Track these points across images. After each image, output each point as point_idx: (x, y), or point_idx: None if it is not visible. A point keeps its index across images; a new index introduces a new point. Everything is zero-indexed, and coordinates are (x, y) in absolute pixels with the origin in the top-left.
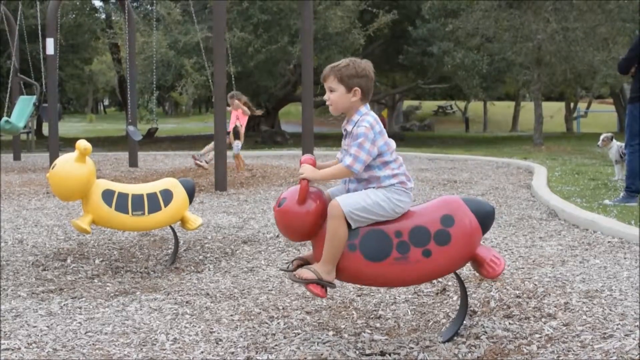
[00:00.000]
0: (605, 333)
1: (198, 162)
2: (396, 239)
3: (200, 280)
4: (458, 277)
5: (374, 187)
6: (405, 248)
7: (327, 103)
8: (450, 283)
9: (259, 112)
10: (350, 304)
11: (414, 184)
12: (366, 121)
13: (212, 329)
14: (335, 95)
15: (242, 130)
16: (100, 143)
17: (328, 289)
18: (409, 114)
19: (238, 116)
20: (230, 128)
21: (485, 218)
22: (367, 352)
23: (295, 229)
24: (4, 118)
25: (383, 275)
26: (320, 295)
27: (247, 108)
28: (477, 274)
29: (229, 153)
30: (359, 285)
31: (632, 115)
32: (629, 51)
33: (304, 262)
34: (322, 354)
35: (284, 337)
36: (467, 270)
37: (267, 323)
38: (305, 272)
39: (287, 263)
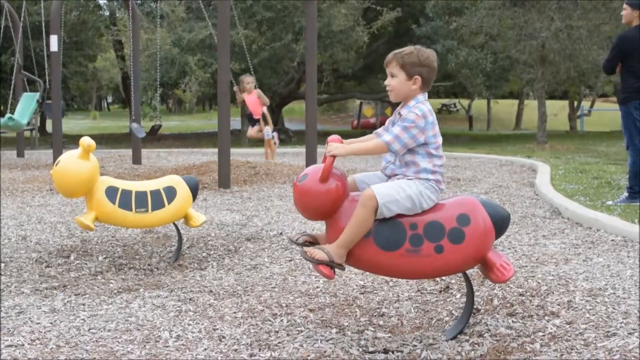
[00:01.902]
0: (608, 331)
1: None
2: (410, 231)
3: (204, 277)
4: (466, 276)
5: (410, 177)
6: (418, 241)
7: (387, 88)
8: (453, 281)
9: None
10: (353, 302)
11: (445, 187)
12: (420, 109)
13: (215, 326)
14: (396, 81)
15: (268, 116)
16: (103, 140)
17: (336, 271)
18: None
19: (260, 103)
20: (256, 116)
21: (500, 222)
22: (370, 349)
23: (314, 207)
24: (8, 115)
25: (392, 265)
26: (329, 276)
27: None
28: (480, 272)
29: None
30: (362, 283)
31: (628, 116)
32: (610, 50)
33: (313, 240)
34: (325, 352)
35: (287, 335)
36: (471, 269)
37: (270, 320)
38: (318, 253)
39: (297, 235)
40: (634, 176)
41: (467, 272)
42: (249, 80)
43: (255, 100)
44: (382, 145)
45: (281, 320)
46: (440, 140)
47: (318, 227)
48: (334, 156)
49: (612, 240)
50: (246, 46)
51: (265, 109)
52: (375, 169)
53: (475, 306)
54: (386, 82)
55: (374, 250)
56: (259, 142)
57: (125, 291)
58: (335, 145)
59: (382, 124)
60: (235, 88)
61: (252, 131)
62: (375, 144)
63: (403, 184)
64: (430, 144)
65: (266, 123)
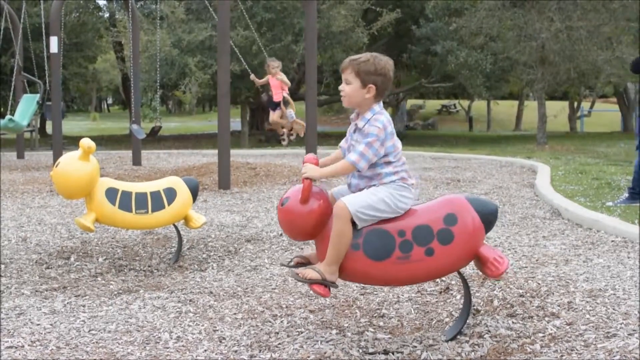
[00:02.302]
0: (608, 332)
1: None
2: (399, 238)
3: (204, 278)
4: (461, 276)
5: (375, 184)
6: (408, 247)
7: (341, 93)
8: (453, 282)
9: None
10: (353, 303)
11: (415, 181)
12: (380, 121)
13: (215, 327)
14: (350, 88)
15: (290, 99)
16: (103, 141)
17: (331, 288)
18: (412, 112)
19: (282, 87)
20: (276, 98)
21: (488, 217)
22: (371, 350)
23: (299, 228)
24: (8, 116)
25: (386, 274)
26: (324, 295)
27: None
28: (480, 273)
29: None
30: (362, 284)
31: None
32: None
33: (305, 261)
34: (325, 353)
35: (287, 336)
36: (470, 269)
37: (270, 321)
38: (310, 273)
39: (288, 259)
40: (639, 177)
41: (467, 273)
42: (275, 64)
43: (277, 83)
44: (348, 165)
45: (281, 322)
46: (399, 144)
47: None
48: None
49: (612, 241)
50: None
51: (286, 93)
52: None
53: (475, 307)
54: (340, 88)
55: (365, 262)
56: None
57: (125, 292)
58: (309, 167)
59: None
60: (252, 76)
61: (274, 116)
62: (343, 165)
63: (372, 190)
64: (390, 154)
65: (287, 106)
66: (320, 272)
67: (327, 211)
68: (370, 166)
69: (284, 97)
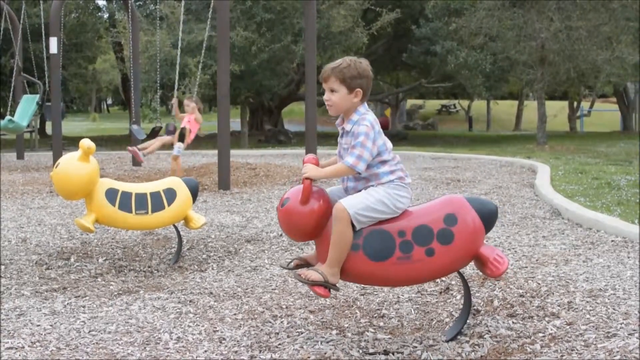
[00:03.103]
0: (608, 332)
1: (137, 152)
2: (399, 238)
3: (204, 279)
4: (461, 276)
5: (373, 185)
6: (408, 247)
7: (326, 104)
8: (453, 282)
9: (203, 134)
10: (353, 303)
11: (411, 179)
12: (367, 120)
13: (215, 327)
14: (337, 97)
15: (191, 137)
16: (103, 142)
17: (332, 290)
18: (412, 113)
19: (190, 121)
20: (178, 131)
21: (488, 217)
22: (371, 351)
23: (299, 229)
24: (7, 117)
25: (386, 274)
26: (324, 296)
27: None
28: (480, 273)
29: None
30: (362, 285)
31: None
32: None
33: (304, 262)
34: (325, 353)
35: (288, 336)
36: (470, 269)
37: (270, 322)
38: (312, 274)
39: (288, 260)
40: None
41: (467, 273)
42: (191, 106)
43: (192, 119)
44: (346, 168)
45: (281, 322)
46: (389, 144)
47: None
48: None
49: (612, 241)
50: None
51: (188, 127)
52: None
53: (475, 307)
54: (325, 98)
55: (366, 263)
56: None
57: (125, 293)
58: (309, 167)
59: (381, 124)
60: (174, 101)
61: (162, 140)
62: (342, 167)
63: (370, 191)
64: (383, 153)
65: (181, 140)
66: (323, 273)
67: (327, 212)
68: (366, 167)
69: (181, 129)
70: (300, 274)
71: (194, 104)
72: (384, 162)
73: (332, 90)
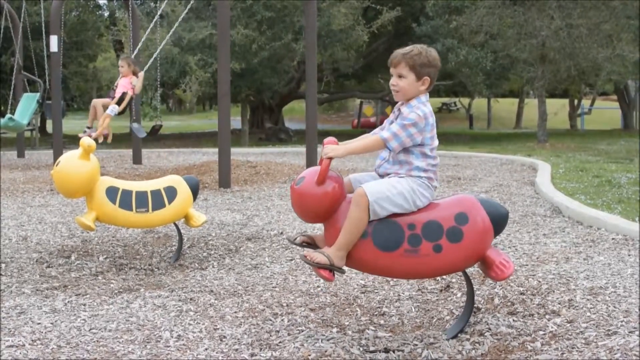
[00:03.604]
0: (609, 330)
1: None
2: (409, 231)
3: (204, 277)
4: (466, 274)
5: (402, 175)
6: (416, 241)
7: (392, 89)
8: (454, 280)
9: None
10: (354, 301)
11: (439, 184)
12: (422, 110)
13: (216, 325)
14: (405, 83)
15: (127, 100)
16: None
17: (336, 274)
18: None
19: (127, 85)
20: (117, 94)
21: (498, 220)
22: (371, 348)
23: (311, 210)
24: (8, 115)
25: (392, 265)
26: (328, 279)
27: (139, 86)
28: (480, 271)
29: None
30: (363, 283)
31: None
32: None
33: (310, 241)
34: (326, 351)
35: (288, 334)
36: (471, 268)
37: (271, 320)
38: (318, 256)
39: (295, 235)
40: None
41: (468, 271)
42: (122, 64)
43: (127, 82)
44: (379, 141)
45: (282, 320)
46: (436, 142)
47: (318, 227)
48: (330, 158)
49: (613, 238)
50: (246, 46)
51: (132, 93)
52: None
53: (475, 305)
54: (392, 83)
55: (373, 252)
56: (259, 141)
57: (126, 291)
58: (331, 147)
59: (382, 123)
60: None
61: (102, 100)
62: (373, 139)
63: (394, 181)
64: (427, 146)
65: (118, 103)
66: (329, 256)
67: (340, 196)
68: (405, 151)
69: (122, 94)
70: (306, 255)
71: (128, 63)
72: (424, 155)
73: (400, 76)
